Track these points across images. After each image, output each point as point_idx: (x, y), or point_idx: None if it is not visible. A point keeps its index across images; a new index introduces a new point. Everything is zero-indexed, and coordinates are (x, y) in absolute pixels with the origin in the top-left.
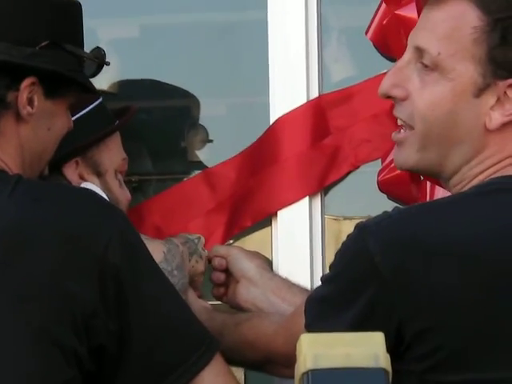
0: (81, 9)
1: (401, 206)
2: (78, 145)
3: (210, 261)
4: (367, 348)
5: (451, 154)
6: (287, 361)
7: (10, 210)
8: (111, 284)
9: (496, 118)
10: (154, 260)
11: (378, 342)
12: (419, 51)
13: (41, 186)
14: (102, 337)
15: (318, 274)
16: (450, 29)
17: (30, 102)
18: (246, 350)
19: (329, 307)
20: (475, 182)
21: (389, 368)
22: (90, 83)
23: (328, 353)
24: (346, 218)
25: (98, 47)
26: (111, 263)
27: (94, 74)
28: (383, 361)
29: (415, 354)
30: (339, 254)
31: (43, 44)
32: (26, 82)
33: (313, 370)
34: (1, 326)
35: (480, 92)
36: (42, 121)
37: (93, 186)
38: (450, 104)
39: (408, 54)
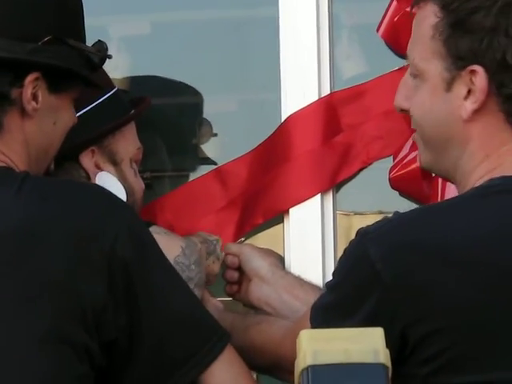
0: (81, 3)
1: (400, 211)
2: (94, 134)
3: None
4: (366, 344)
5: (445, 153)
6: (294, 366)
7: (18, 209)
8: (120, 278)
9: (467, 106)
10: (163, 253)
11: (378, 337)
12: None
13: (48, 183)
14: (112, 331)
15: (330, 270)
16: (418, 33)
17: (35, 97)
18: (254, 354)
19: (333, 315)
20: (474, 179)
21: (388, 363)
22: (94, 77)
23: (327, 348)
24: (356, 214)
25: (99, 40)
26: (120, 257)
27: (97, 68)
28: (382, 356)
29: (419, 358)
30: (341, 261)
31: (45, 39)
32: (30, 77)
33: (312, 366)
34: (12, 325)
35: (449, 86)
36: (47, 115)
37: (109, 174)
38: (429, 104)
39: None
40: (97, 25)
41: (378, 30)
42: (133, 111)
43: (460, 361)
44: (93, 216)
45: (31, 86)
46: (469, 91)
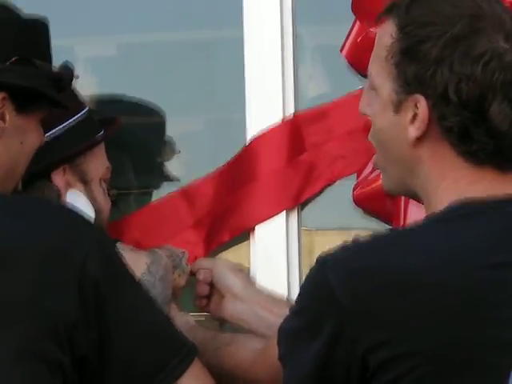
0: (48, 26)
1: (359, 238)
2: (66, 153)
3: (193, 274)
4: None
5: (399, 172)
6: None
7: None
8: (91, 295)
9: (411, 132)
10: (131, 270)
11: None
12: None
13: (16, 201)
14: (83, 347)
15: (295, 285)
16: (376, 49)
17: (2, 117)
18: (226, 377)
19: (297, 341)
20: (435, 203)
21: None
22: (61, 97)
23: None
24: (319, 230)
25: (66, 61)
26: (90, 275)
27: (64, 89)
28: None
29: (381, 380)
30: (303, 287)
31: (12, 60)
32: None
33: None
34: None
35: (397, 108)
36: (14, 136)
37: (79, 193)
38: (379, 120)
39: None
40: (63, 46)
41: (341, 51)
42: (103, 132)
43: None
44: (63, 235)
45: None
46: (414, 116)
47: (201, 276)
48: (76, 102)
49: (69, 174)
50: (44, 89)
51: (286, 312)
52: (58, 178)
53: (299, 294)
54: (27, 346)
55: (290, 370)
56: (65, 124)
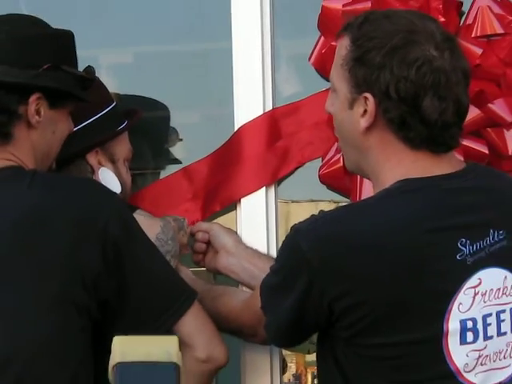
0: (73, 38)
1: (324, 211)
2: (98, 138)
3: (193, 234)
4: (162, 347)
5: (352, 156)
6: (252, 331)
7: (31, 198)
8: (111, 251)
9: (362, 123)
10: (144, 232)
11: (172, 343)
12: None
13: (52, 177)
14: (105, 292)
15: (273, 245)
16: (336, 58)
17: (38, 112)
18: (221, 320)
19: (276, 293)
20: (382, 181)
21: (179, 362)
22: (84, 94)
23: (133, 350)
24: (293, 202)
25: (88, 66)
26: (111, 235)
27: (87, 87)
28: (175, 357)
29: (342, 324)
30: (280, 251)
31: (45, 67)
32: (33, 97)
33: (120, 363)
34: (28, 294)
35: (351, 105)
36: (47, 126)
37: (108, 170)
38: (340, 116)
39: None
40: (88, 55)
41: (309, 59)
42: (126, 122)
43: (373, 327)
44: (90, 203)
45: (34, 104)
46: (364, 111)
47: (199, 236)
48: (106, 98)
49: (100, 155)
50: (70, 88)
51: (267, 266)
52: (92, 158)
53: (277, 256)
54: (62, 293)
55: (270, 316)
56: (97, 116)
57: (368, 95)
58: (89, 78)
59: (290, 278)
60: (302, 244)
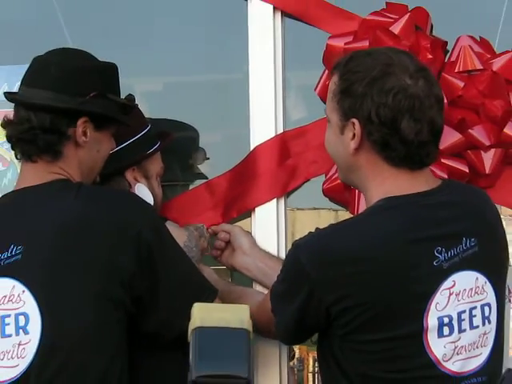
0: (117, 69)
1: (319, 228)
2: (134, 158)
3: (215, 233)
4: (236, 315)
5: (347, 175)
6: (266, 328)
7: (77, 207)
8: (145, 254)
9: (351, 145)
10: (174, 239)
11: (245, 311)
12: None
13: (96, 190)
14: (139, 290)
15: (282, 247)
16: (328, 93)
17: (84, 133)
18: None
19: (282, 299)
20: (370, 197)
21: (250, 329)
22: (126, 119)
23: (210, 316)
24: (298, 209)
25: (129, 94)
26: (145, 240)
27: (128, 113)
28: (246, 324)
29: (339, 323)
30: (285, 264)
31: (91, 94)
32: (81, 120)
33: (199, 327)
34: (72, 290)
35: (342, 131)
36: (93, 146)
37: (143, 186)
38: (333, 142)
39: None
40: (126, 83)
41: (315, 89)
42: (159, 143)
43: (365, 326)
44: (128, 213)
45: (82, 126)
46: (353, 135)
47: (222, 235)
48: (142, 122)
49: (136, 172)
50: (113, 114)
51: (277, 266)
52: (129, 175)
53: (283, 267)
54: (102, 290)
55: (279, 318)
56: (135, 138)
57: (355, 120)
58: (130, 105)
59: (293, 287)
60: (301, 257)
